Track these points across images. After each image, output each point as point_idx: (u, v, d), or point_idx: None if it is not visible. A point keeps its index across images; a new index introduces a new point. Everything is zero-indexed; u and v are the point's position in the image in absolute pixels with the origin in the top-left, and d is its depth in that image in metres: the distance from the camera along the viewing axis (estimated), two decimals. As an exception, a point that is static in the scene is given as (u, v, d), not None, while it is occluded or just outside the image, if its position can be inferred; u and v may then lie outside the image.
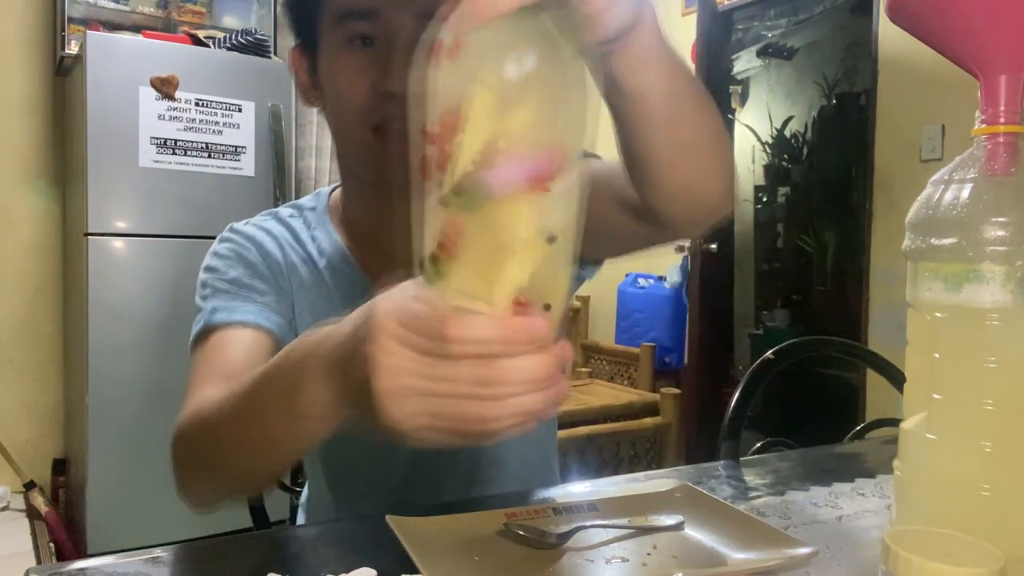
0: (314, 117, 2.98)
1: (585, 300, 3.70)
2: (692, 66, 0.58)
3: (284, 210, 0.92)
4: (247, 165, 2.55)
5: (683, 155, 0.58)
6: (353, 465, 0.88)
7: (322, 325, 0.57)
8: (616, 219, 0.70)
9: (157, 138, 2.40)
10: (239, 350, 0.76)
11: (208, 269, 0.85)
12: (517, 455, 0.90)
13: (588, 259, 0.85)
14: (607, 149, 0.57)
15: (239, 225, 0.90)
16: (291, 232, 0.89)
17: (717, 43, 3.38)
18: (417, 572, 0.53)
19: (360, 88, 0.76)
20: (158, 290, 2.42)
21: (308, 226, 0.90)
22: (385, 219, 0.84)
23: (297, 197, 0.94)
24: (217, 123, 2.49)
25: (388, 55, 0.74)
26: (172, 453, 0.68)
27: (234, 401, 0.59)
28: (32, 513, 2.44)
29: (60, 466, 2.75)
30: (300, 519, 0.98)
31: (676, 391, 2.37)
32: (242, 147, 2.53)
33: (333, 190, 0.93)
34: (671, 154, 0.58)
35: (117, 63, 2.35)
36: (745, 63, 4.62)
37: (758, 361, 1.04)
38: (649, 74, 0.51)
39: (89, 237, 2.33)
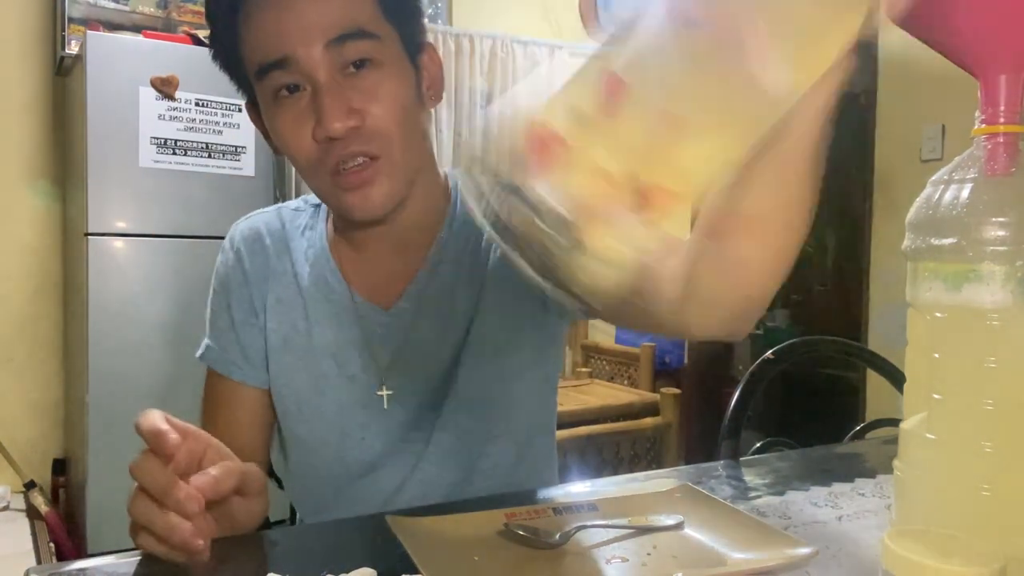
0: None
1: (585, 300, 3.69)
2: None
3: (290, 204, 0.94)
4: (247, 165, 2.55)
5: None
6: (339, 488, 0.89)
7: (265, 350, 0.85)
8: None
9: (157, 138, 2.40)
10: (238, 409, 0.88)
11: (212, 290, 0.91)
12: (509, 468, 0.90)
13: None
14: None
15: (240, 229, 0.91)
16: (284, 235, 0.90)
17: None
18: (417, 572, 0.53)
19: (301, 141, 0.75)
20: (158, 290, 2.42)
21: (307, 226, 0.90)
22: (363, 239, 0.85)
23: (297, 197, 0.95)
24: (217, 123, 2.49)
25: (315, 97, 0.73)
26: None
27: None
28: (32, 513, 2.43)
29: (60, 466, 2.75)
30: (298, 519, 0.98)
31: (676, 391, 2.37)
32: (242, 147, 2.53)
33: None
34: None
35: (117, 63, 2.35)
36: (745, 63, 4.61)
37: (758, 361, 1.04)
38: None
39: (89, 237, 2.33)
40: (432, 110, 0.88)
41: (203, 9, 3.07)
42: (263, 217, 0.92)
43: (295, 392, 0.86)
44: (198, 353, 0.90)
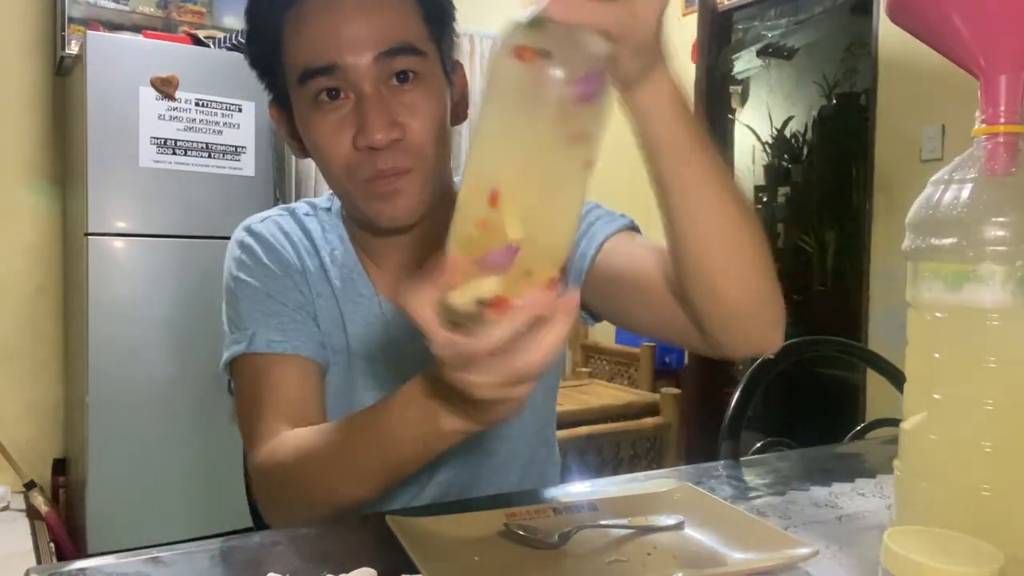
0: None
1: (585, 300, 3.69)
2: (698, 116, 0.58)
3: (300, 207, 0.92)
4: (247, 165, 2.55)
5: (706, 237, 0.61)
6: None
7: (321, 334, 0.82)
8: (661, 297, 0.71)
9: (157, 138, 2.40)
10: (293, 385, 0.80)
11: (236, 280, 0.85)
12: (517, 465, 0.90)
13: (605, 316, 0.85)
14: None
15: (257, 226, 0.88)
16: (307, 235, 0.88)
17: (717, 43, 3.38)
18: (417, 572, 0.53)
19: (340, 148, 0.75)
20: (158, 290, 2.42)
21: (323, 228, 0.89)
22: (383, 248, 0.85)
23: (297, 197, 0.94)
24: (217, 123, 2.49)
25: (359, 106, 0.74)
26: (260, 489, 0.77)
27: (340, 445, 0.68)
28: (32, 513, 2.43)
29: (60, 466, 2.75)
30: None
31: (676, 391, 2.37)
32: (242, 147, 2.53)
33: None
34: (693, 231, 0.61)
35: (117, 63, 2.35)
36: (745, 63, 4.61)
37: (758, 361, 1.04)
38: (671, 123, 0.56)
39: (89, 237, 2.33)
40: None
41: (203, 9, 3.05)
42: (278, 217, 0.89)
43: (328, 387, 0.85)
44: (229, 354, 0.82)
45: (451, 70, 0.82)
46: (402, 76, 0.75)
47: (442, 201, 0.81)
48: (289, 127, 0.82)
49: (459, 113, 0.84)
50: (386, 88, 0.74)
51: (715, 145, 0.59)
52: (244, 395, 0.81)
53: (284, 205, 0.93)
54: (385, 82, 0.74)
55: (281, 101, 0.81)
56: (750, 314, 0.65)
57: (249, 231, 0.88)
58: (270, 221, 0.89)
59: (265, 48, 0.78)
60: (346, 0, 0.73)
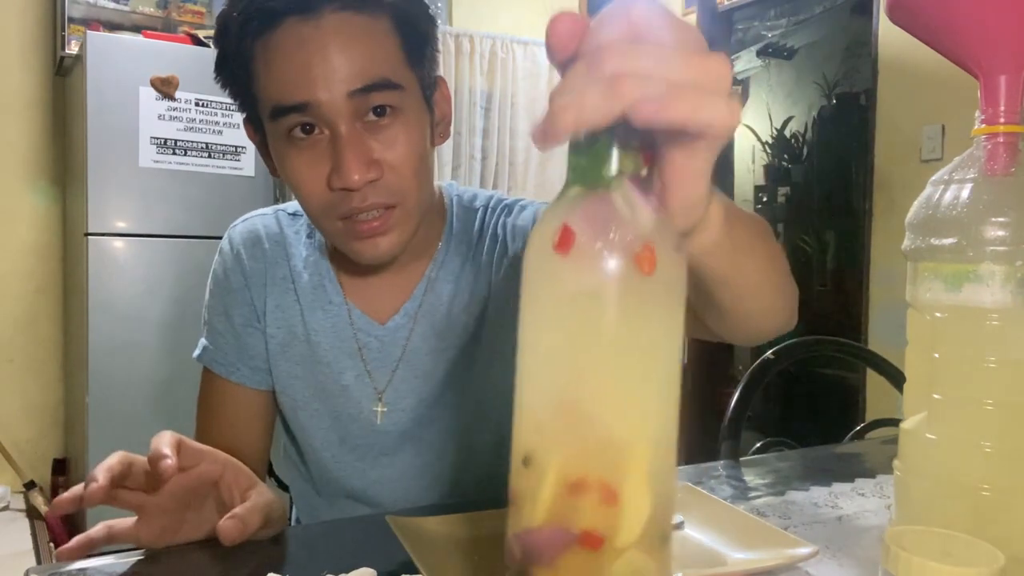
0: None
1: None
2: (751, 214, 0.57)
3: (289, 207, 0.91)
4: (247, 165, 2.55)
5: (748, 298, 0.56)
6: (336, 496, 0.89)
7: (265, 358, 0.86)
8: None
9: (157, 138, 2.40)
10: (237, 410, 0.88)
11: (209, 287, 0.90)
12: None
13: None
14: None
15: (235, 231, 0.90)
16: (282, 240, 0.88)
17: (717, 43, 3.38)
18: (417, 572, 0.53)
19: (315, 186, 0.72)
20: (158, 290, 2.42)
21: (303, 232, 0.89)
22: (367, 269, 0.84)
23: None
24: (217, 123, 2.49)
25: (334, 144, 0.70)
26: None
27: None
28: (32, 513, 2.43)
29: (60, 466, 2.75)
30: (293, 518, 0.98)
31: (676, 391, 2.36)
32: (242, 147, 2.53)
33: None
34: (736, 297, 0.56)
35: (117, 63, 2.35)
36: (745, 63, 4.61)
37: (758, 361, 1.04)
38: (716, 253, 0.47)
39: (89, 237, 2.33)
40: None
41: (203, 9, 3.05)
42: (261, 220, 0.90)
43: (292, 399, 0.86)
44: (195, 353, 0.89)
45: (431, 92, 0.78)
46: (379, 110, 0.71)
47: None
48: (263, 148, 0.79)
49: (441, 133, 0.81)
50: (362, 124, 0.71)
51: (744, 211, 0.54)
52: (202, 394, 0.90)
53: (277, 205, 0.93)
54: (361, 118, 0.71)
55: (255, 122, 0.78)
56: (775, 328, 0.64)
57: (229, 238, 0.90)
58: (252, 222, 0.90)
59: (237, 75, 0.75)
60: (319, 33, 0.69)
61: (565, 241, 0.32)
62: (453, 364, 0.84)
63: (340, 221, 0.73)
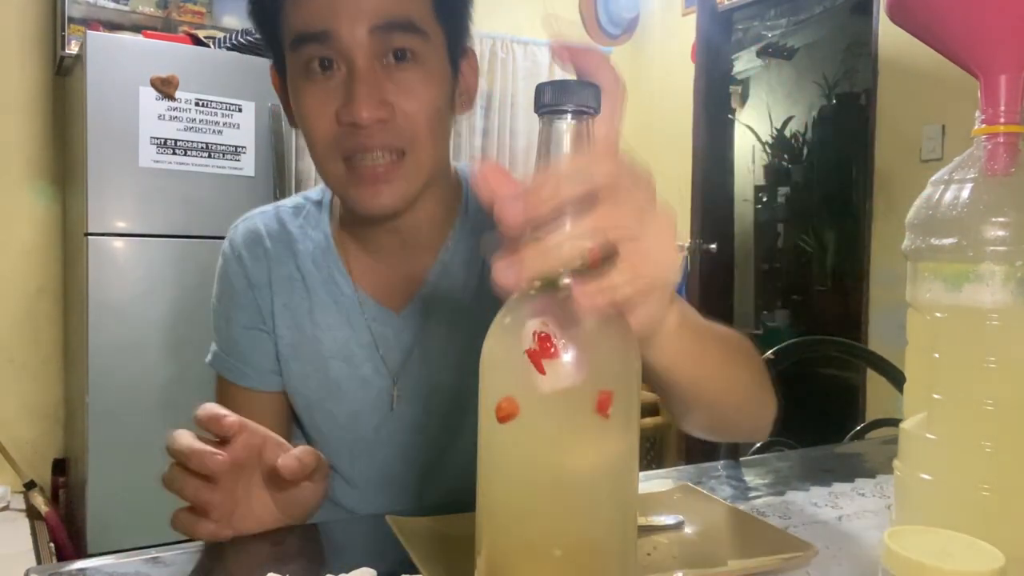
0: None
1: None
2: (716, 329, 0.60)
3: (290, 202, 0.91)
4: (247, 165, 2.55)
5: (712, 405, 0.60)
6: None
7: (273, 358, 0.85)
8: None
9: (157, 138, 2.40)
10: (251, 414, 0.84)
11: (215, 290, 0.89)
12: None
13: None
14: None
15: (239, 232, 0.89)
16: (285, 237, 0.87)
17: (717, 43, 3.37)
18: (417, 572, 0.53)
19: (323, 120, 0.72)
20: (158, 290, 2.42)
21: (307, 226, 0.88)
22: (371, 234, 0.83)
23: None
24: (217, 123, 2.49)
25: (348, 80, 0.70)
26: None
27: None
28: (32, 513, 2.43)
29: (60, 466, 2.75)
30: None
31: (676, 391, 2.35)
32: (242, 147, 2.53)
33: None
34: (705, 401, 0.58)
35: (117, 63, 2.35)
36: (745, 63, 4.62)
37: (758, 361, 1.04)
38: (680, 350, 0.50)
39: (89, 237, 2.32)
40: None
41: (203, 9, 3.04)
42: (261, 218, 0.89)
43: (306, 398, 0.85)
44: (207, 359, 0.89)
45: (459, 56, 0.78)
46: (399, 54, 0.71)
47: (431, 188, 0.79)
48: (284, 95, 0.79)
49: (464, 103, 0.80)
50: (380, 65, 0.71)
51: (719, 327, 0.58)
52: (217, 398, 0.88)
53: (277, 202, 0.92)
54: (380, 58, 0.71)
55: (279, 66, 0.78)
56: (740, 436, 0.70)
57: (231, 240, 0.89)
58: (252, 221, 0.89)
59: (266, 7, 0.75)
60: None
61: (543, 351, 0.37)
62: (467, 351, 0.84)
63: (344, 163, 0.73)
